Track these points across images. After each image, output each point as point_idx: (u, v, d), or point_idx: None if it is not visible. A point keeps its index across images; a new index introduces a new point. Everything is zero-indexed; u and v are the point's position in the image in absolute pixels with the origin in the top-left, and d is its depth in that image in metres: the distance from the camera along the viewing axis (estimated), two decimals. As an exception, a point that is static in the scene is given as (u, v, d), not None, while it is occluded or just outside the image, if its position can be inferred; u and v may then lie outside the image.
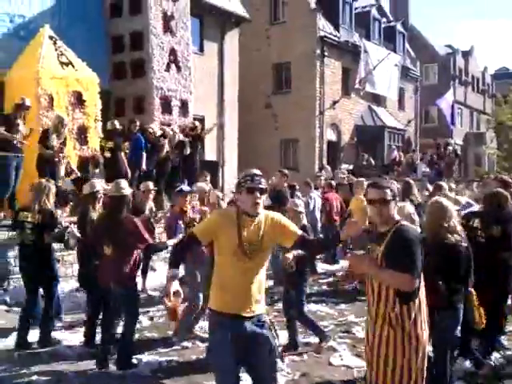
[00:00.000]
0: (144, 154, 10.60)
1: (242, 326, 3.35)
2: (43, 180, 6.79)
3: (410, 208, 4.18)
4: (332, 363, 5.65)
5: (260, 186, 3.33)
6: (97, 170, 9.18)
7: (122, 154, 10.47)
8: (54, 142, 9.04)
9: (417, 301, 3.28)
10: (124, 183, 5.58)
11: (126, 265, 5.36)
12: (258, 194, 3.32)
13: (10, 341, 6.19)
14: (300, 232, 3.52)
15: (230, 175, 17.67)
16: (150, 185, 8.42)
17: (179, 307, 3.75)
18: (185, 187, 7.55)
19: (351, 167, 21.11)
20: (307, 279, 6.27)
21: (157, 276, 9.05)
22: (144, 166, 10.58)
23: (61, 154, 9.09)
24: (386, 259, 3.25)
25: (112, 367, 5.41)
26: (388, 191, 3.34)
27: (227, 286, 3.39)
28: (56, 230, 6.18)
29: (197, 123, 12.24)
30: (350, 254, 3.39)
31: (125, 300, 5.42)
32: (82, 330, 6.35)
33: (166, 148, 11.10)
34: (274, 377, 3.47)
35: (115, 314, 5.63)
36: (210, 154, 16.64)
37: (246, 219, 3.38)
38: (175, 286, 3.47)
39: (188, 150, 11.21)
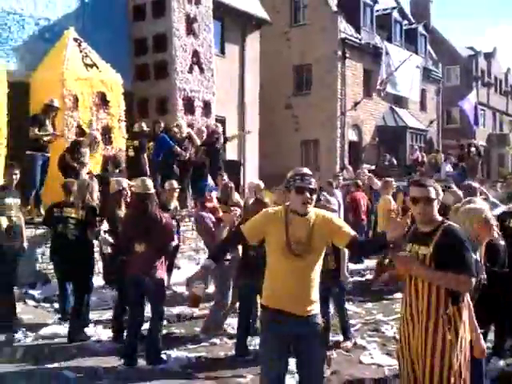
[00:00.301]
0: (177, 148, 10.68)
1: (291, 324, 3.30)
2: (86, 177, 6.90)
3: (488, 212, 3.93)
4: (362, 361, 5.58)
5: (310, 186, 3.30)
6: (117, 170, 9.13)
7: (145, 155, 10.50)
8: (86, 158, 9.07)
9: (465, 302, 3.22)
10: (149, 181, 5.61)
11: (157, 260, 5.40)
12: (308, 194, 3.29)
13: (40, 335, 6.23)
14: (353, 233, 3.43)
15: (251, 175, 17.65)
16: (175, 183, 8.43)
17: (200, 295, 3.73)
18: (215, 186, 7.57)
19: (373, 167, 21.00)
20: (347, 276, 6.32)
21: (181, 273, 9.06)
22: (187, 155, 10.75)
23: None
24: (435, 260, 3.14)
25: (141, 363, 5.41)
26: (432, 189, 3.25)
27: (277, 283, 3.38)
28: (97, 227, 6.33)
29: (219, 126, 12.28)
30: (398, 255, 3.24)
31: (154, 295, 5.42)
32: (110, 325, 6.37)
33: (190, 151, 11.11)
34: (321, 374, 3.45)
35: (140, 309, 5.63)
36: (232, 154, 16.64)
37: (295, 218, 3.34)
38: (202, 275, 3.46)
39: (221, 143, 11.24)
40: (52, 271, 8.15)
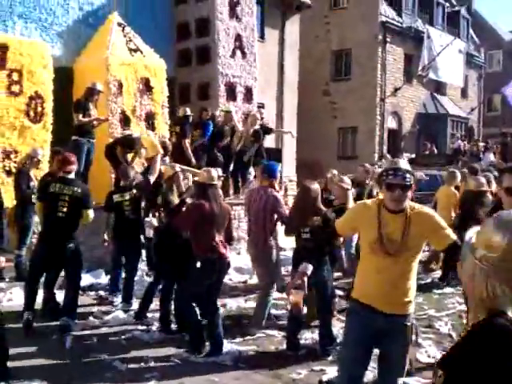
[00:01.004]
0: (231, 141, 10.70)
1: (378, 320, 3.14)
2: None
3: None
4: (419, 360, 5.36)
5: (403, 182, 3.05)
6: (166, 158, 9.02)
7: (187, 141, 10.33)
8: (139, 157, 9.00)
9: None
10: (214, 172, 5.52)
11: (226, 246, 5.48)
12: (400, 191, 3.05)
13: (87, 324, 6.22)
14: (454, 238, 3.16)
15: (289, 163, 17.44)
16: (219, 171, 8.30)
17: (301, 300, 3.63)
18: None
19: (413, 156, 20.55)
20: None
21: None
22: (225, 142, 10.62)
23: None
24: None
25: (185, 354, 5.34)
26: None
27: (367, 279, 3.23)
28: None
29: (263, 111, 12.08)
30: None
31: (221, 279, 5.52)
32: (157, 315, 6.32)
33: (227, 139, 10.96)
34: (400, 371, 3.26)
35: (190, 299, 5.55)
36: (270, 141, 16.41)
37: (388, 214, 3.12)
38: (300, 280, 3.37)
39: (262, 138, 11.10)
40: (94, 259, 8.17)
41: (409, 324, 3.21)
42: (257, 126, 10.84)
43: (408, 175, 3.08)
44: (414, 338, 3.26)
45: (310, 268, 3.42)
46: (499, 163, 19.78)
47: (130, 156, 9.28)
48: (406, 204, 3.12)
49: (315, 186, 5.62)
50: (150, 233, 6.47)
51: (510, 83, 25.53)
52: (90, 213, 6.06)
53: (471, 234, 1.63)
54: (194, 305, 5.50)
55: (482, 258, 1.49)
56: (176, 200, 6.09)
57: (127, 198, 6.78)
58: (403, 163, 3.19)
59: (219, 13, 12.21)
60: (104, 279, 8.16)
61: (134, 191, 6.82)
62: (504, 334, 1.42)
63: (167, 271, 6.15)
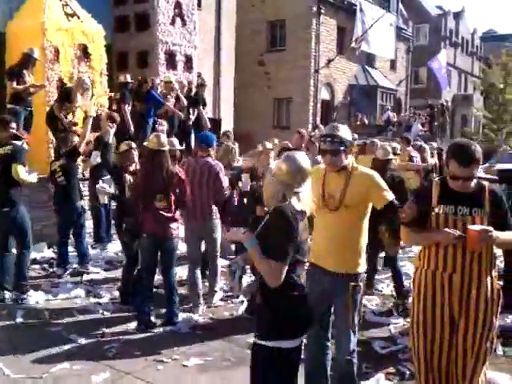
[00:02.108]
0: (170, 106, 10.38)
1: (325, 280, 3.38)
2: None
3: None
4: (367, 319, 5.63)
5: (331, 147, 3.29)
6: (113, 129, 8.66)
7: (127, 107, 9.98)
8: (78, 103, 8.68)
9: None
10: (164, 137, 5.44)
11: (174, 217, 5.33)
12: (330, 156, 3.32)
13: (40, 296, 6.12)
14: (391, 197, 3.39)
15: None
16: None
17: None
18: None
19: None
20: None
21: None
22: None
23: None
24: (492, 218, 3.10)
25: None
26: (478, 166, 3.06)
27: (316, 238, 3.47)
28: None
29: (205, 80, 11.96)
30: (475, 227, 3.01)
31: (172, 253, 5.38)
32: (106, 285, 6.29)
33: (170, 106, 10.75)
34: (347, 332, 3.41)
35: (154, 271, 5.54)
36: (208, 112, 16.30)
37: (331, 173, 3.42)
38: None
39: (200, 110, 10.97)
40: (36, 232, 7.91)
41: (353, 283, 3.34)
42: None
43: (337, 140, 3.29)
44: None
45: None
46: (426, 133, 20.74)
47: (70, 116, 8.92)
48: (345, 165, 3.37)
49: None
50: (104, 199, 6.43)
51: (436, 56, 26.54)
52: (20, 168, 5.86)
53: (273, 163, 2.88)
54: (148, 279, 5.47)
55: (274, 176, 2.76)
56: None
57: (58, 164, 6.83)
58: (341, 129, 3.35)
59: (158, -22, 11.85)
60: (47, 252, 7.98)
61: (64, 158, 6.87)
62: (281, 211, 2.69)
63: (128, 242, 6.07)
